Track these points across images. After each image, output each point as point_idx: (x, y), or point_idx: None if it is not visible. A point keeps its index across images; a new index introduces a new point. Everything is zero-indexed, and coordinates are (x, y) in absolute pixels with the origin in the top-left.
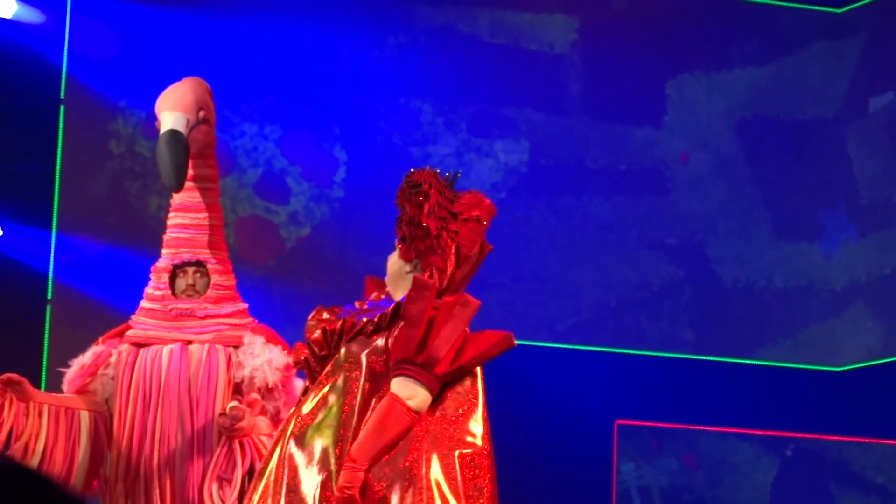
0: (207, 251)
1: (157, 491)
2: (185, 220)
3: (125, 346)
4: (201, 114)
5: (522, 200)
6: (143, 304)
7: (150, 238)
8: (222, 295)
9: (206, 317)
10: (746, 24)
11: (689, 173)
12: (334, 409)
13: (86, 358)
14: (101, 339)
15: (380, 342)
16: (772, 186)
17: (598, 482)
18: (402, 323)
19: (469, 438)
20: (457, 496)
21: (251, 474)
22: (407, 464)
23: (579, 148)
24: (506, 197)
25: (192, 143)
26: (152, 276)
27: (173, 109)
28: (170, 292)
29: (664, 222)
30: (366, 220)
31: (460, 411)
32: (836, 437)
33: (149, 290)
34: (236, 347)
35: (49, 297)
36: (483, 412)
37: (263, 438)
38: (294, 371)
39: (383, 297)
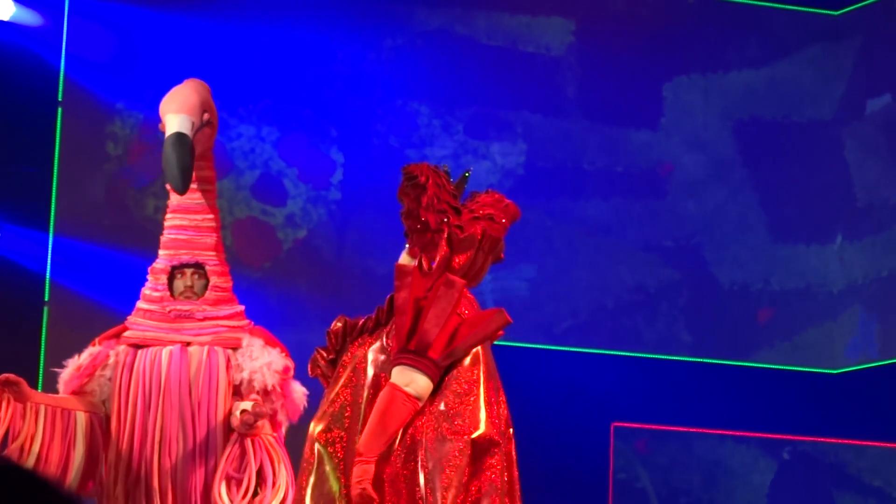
0: (206, 253)
1: (158, 493)
2: (184, 221)
3: (122, 348)
4: (205, 116)
5: (519, 202)
6: (140, 304)
7: (147, 240)
8: (221, 297)
9: (204, 318)
10: (743, 26)
11: (687, 175)
12: (343, 409)
13: (82, 359)
14: (97, 340)
15: (381, 339)
16: (769, 189)
17: (594, 484)
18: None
19: (470, 423)
20: (461, 481)
21: (260, 474)
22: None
23: (576, 150)
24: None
25: (196, 146)
26: (150, 278)
27: (178, 112)
28: (168, 293)
29: (661, 224)
30: (363, 222)
31: (461, 398)
32: (832, 440)
33: (146, 291)
34: (235, 349)
35: (46, 298)
36: (487, 395)
37: (271, 439)
38: (292, 373)
39: None
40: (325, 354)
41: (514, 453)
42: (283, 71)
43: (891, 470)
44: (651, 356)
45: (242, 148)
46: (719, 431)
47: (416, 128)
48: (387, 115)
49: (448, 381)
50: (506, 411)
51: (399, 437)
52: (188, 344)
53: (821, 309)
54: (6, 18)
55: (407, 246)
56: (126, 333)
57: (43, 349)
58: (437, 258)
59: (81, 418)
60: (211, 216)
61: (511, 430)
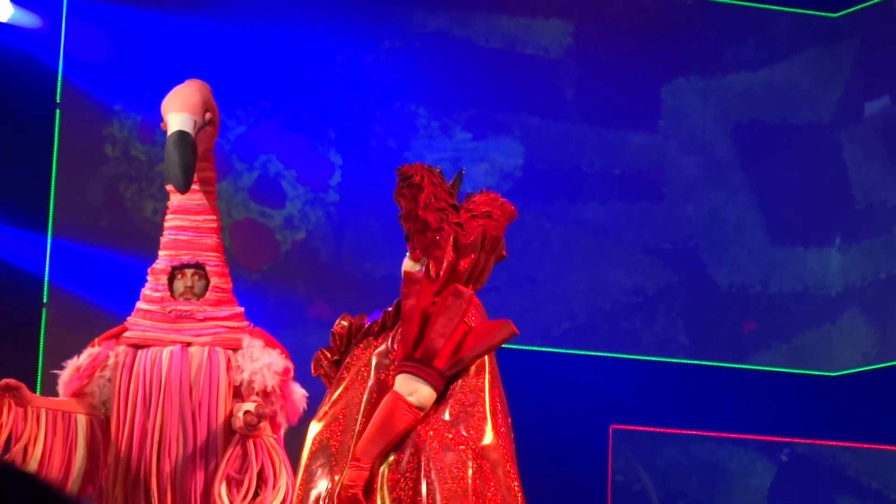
0: (207, 254)
1: (157, 494)
2: (184, 222)
3: (122, 348)
4: (207, 115)
5: (517, 204)
6: (140, 305)
7: (145, 241)
8: (221, 298)
9: (205, 319)
10: (741, 28)
11: (685, 178)
12: (345, 412)
13: (81, 360)
14: (96, 341)
15: (386, 342)
16: (767, 191)
17: (593, 487)
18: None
19: (475, 433)
20: (463, 492)
21: (261, 475)
22: (412, 462)
23: (574, 152)
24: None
25: (198, 145)
26: (149, 278)
27: (181, 110)
28: (168, 294)
29: (659, 227)
30: (361, 224)
31: (466, 408)
32: (831, 443)
33: (146, 291)
34: (235, 350)
35: (45, 300)
36: (492, 405)
37: (272, 440)
38: (291, 375)
39: None
40: (328, 355)
41: (515, 462)
42: (282, 73)
43: (889, 472)
44: (649, 358)
45: (241, 150)
46: (718, 434)
47: (415, 130)
48: (385, 117)
49: (453, 389)
50: (507, 419)
51: (401, 443)
52: (188, 344)
53: (819, 311)
54: (4, 20)
55: (408, 251)
56: (126, 334)
57: (41, 351)
58: (445, 264)
59: (82, 421)
60: (212, 217)
61: (511, 435)
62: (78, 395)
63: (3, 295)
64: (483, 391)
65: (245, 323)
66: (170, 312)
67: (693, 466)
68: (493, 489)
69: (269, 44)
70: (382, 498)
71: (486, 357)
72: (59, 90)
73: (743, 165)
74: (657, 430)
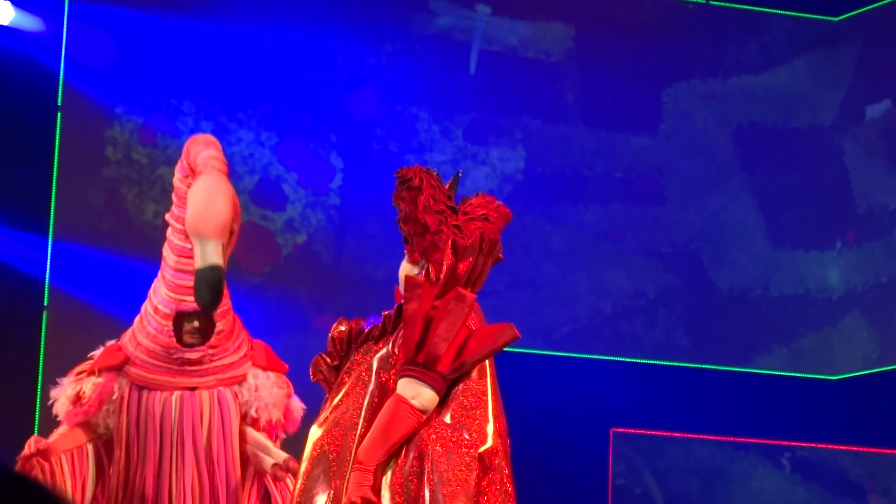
0: None
1: None
2: (189, 266)
3: (125, 381)
4: (234, 227)
5: (518, 208)
6: (143, 340)
7: (146, 244)
8: (224, 338)
9: (210, 363)
10: (743, 32)
11: (686, 181)
12: (345, 417)
13: (83, 389)
14: (96, 367)
15: (387, 346)
16: (768, 195)
17: (593, 490)
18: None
19: (477, 436)
20: (466, 495)
21: None
22: (415, 465)
23: (575, 156)
24: (505, 204)
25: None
26: (154, 317)
27: (212, 237)
28: (173, 340)
29: (660, 230)
30: (362, 227)
31: (468, 411)
32: (832, 446)
33: (149, 329)
34: (241, 384)
35: (45, 303)
36: (494, 407)
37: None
38: (292, 396)
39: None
40: (328, 360)
41: (510, 465)
42: (283, 76)
43: (889, 476)
44: (650, 362)
45: (242, 153)
46: (719, 437)
47: (416, 133)
48: (386, 121)
49: (455, 393)
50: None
51: (403, 447)
52: (194, 388)
53: (820, 315)
54: (6, 23)
55: (406, 254)
56: (130, 369)
57: (42, 354)
58: (444, 268)
59: (90, 450)
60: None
61: (509, 440)
62: (82, 424)
63: (4, 297)
64: (485, 395)
65: (247, 347)
66: (176, 359)
67: (694, 470)
68: (492, 492)
69: (271, 47)
70: (385, 502)
71: (487, 360)
72: (60, 93)
73: (744, 169)
74: (658, 433)
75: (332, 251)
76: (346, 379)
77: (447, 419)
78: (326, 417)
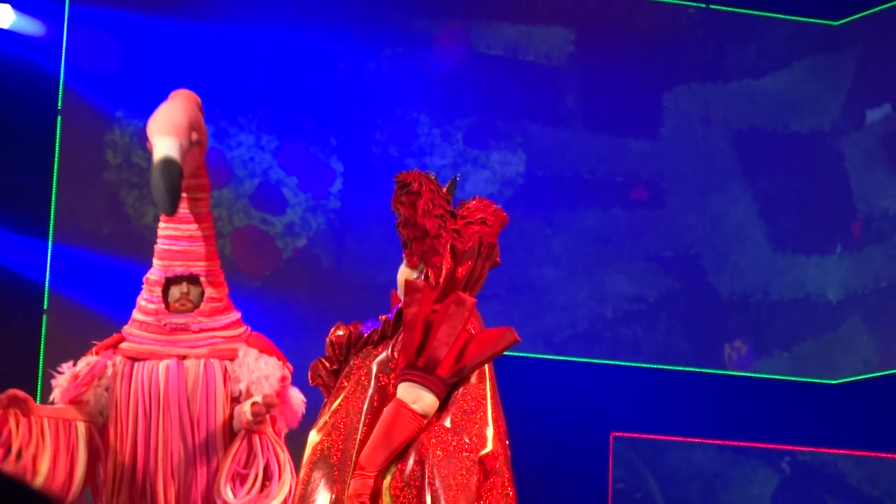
0: (200, 263)
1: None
2: (177, 231)
3: (119, 359)
4: (194, 136)
5: (519, 212)
6: (136, 315)
7: (146, 248)
8: (216, 307)
9: (200, 330)
10: (743, 36)
11: (686, 185)
12: (345, 421)
13: (79, 368)
14: (95, 350)
15: (386, 350)
16: (768, 199)
17: (593, 494)
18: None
19: (477, 440)
20: (468, 499)
21: (266, 470)
22: (416, 470)
23: (576, 159)
24: (502, 208)
25: (185, 166)
26: (144, 288)
27: (167, 134)
28: (163, 306)
29: (660, 234)
30: (362, 230)
31: (468, 415)
32: (832, 450)
33: (141, 302)
34: (231, 360)
35: (45, 306)
36: (494, 411)
37: (276, 437)
38: (289, 381)
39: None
40: (327, 364)
41: (511, 469)
42: (283, 80)
43: (889, 480)
44: (650, 366)
45: (242, 156)
46: (719, 441)
47: (416, 137)
48: (386, 125)
49: (455, 397)
50: (505, 426)
51: (403, 453)
52: (185, 357)
53: (820, 319)
54: (6, 27)
55: (404, 258)
56: (123, 345)
57: (42, 357)
58: (443, 272)
59: (82, 428)
60: (205, 225)
61: (508, 442)
62: (75, 402)
63: (4, 301)
64: (485, 398)
65: (242, 329)
66: (165, 325)
67: (694, 474)
68: (493, 496)
69: (271, 51)
70: None
71: (487, 364)
72: (60, 97)
73: (744, 173)
74: (658, 437)
75: (332, 255)
76: (346, 383)
77: (447, 423)
78: (325, 422)
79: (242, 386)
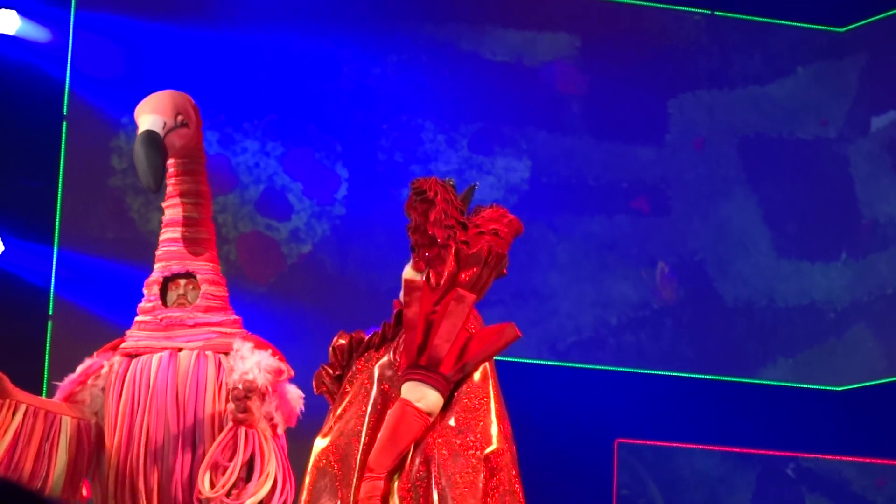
0: (198, 263)
1: (144, 493)
2: (176, 234)
3: (118, 359)
4: (179, 118)
5: (524, 218)
6: (137, 318)
7: (151, 254)
8: (212, 305)
9: (195, 325)
10: (748, 43)
11: (691, 192)
12: (349, 425)
13: (77, 370)
14: (95, 353)
15: (388, 353)
16: (773, 205)
17: (598, 500)
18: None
19: (482, 437)
20: (475, 497)
21: (250, 465)
22: (422, 469)
23: (581, 166)
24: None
25: (171, 147)
26: (144, 291)
27: (150, 112)
28: (160, 303)
29: (665, 240)
30: (367, 237)
31: (472, 413)
32: (836, 457)
33: (141, 303)
34: (226, 354)
35: (50, 312)
36: (498, 410)
37: (266, 432)
38: (285, 376)
39: None
40: (330, 371)
41: (517, 467)
42: (289, 86)
43: (894, 487)
44: (655, 372)
45: (247, 163)
46: (723, 448)
47: (421, 143)
48: (392, 131)
49: (458, 396)
50: (509, 426)
51: (410, 453)
52: (179, 350)
53: (825, 326)
54: (12, 33)
55: (411, 259)
56: (122, 345)
57: (47, 363)
58: (445, 274)
59: (67, 422)
60: (203, 229)
61: (513, 440)
62: (69, 400)
63: (9, 307)
64: (488, 396)
65: (239, 329)
66: (161, 320)
67: (698, 481)
68: (499, 493)
69: (277, 57)
70: None
71: (489, 364)
72: (66, 102)
73: (749, 180)
74: (663, 444)
75: (337, 261)
76: (349, 388)
77: (451, 422)
78: (331, 428)
79: (236, 376)
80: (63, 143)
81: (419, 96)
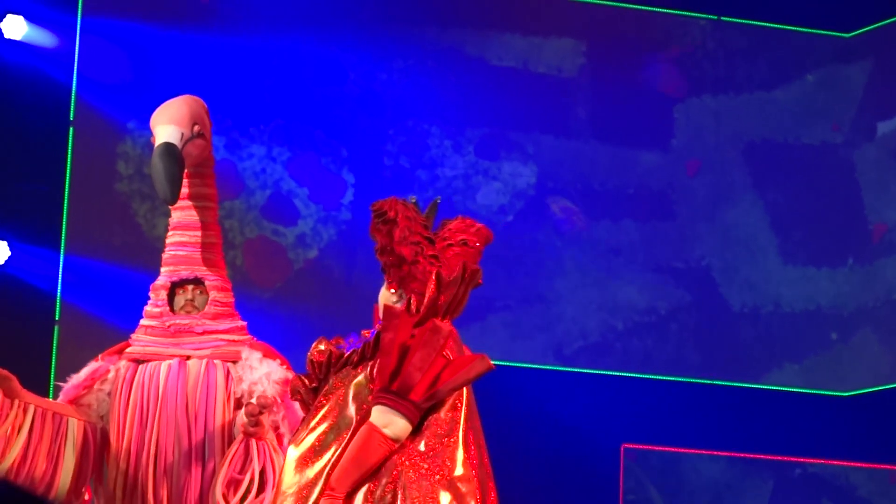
0: (205, 268)
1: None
2: (184, 237)
3: (123, 363)
4: (196, 128)
5: (530, 223)
6: (143, 322)
7: (157, 259)
8: (220, 311)
9: (203, 332)
10: (754, 48)
11: (697, 197)
12: (322, 440)
13: (81, 372)
14: (100, 356)
15: (365, 372)
16: (779, 211)
17: None
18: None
19: (449, 464)
20: None
21: (262, 476)
22: (388, 491)
23: (587, 171)
24: (513, 220)
25: (187, 157)
26: (151, 295)
27: (168, 123)
28: (168, 309)
29: (671, 246)
30: (373, 242)
31: (441, 439)
32: (843, 463)
33: (148, 307)
34: (234, 362)
35: (57, 317)
36: (464, 437)
37: (275, 443)
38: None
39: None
40: (306, 382)
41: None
42: (295, 91)
43: None
44: (661, 378)
45: (254, 168)
46: (729, 453)
47: (427, 148)
48: (398, 136)
49: (429, 421)
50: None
51: (376, 473)
52: (188, 358)
53: (831, 331)
54: (19, 38)
55: (385, 282)
56: (127, 349)
57: (53, 368)
58: (426, 299)
59: (73, 424)
60: (212, 233)
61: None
62: (75, 403)
63: (16, 312)
64: (458, 423)
65: (246, 336)
66: (169, 327)
67: (704, 486)
68: None
69: (283, 62)
70: None
71: (465, 390)
72: (72, 108)
73: (755, 185)
74: (669, 449)
75: (343, 266)
76: (324, 402)
77: (421, 447)
78: (302, 438)
79: (245, 386)
80: (69, 148)
81: (425, 101)
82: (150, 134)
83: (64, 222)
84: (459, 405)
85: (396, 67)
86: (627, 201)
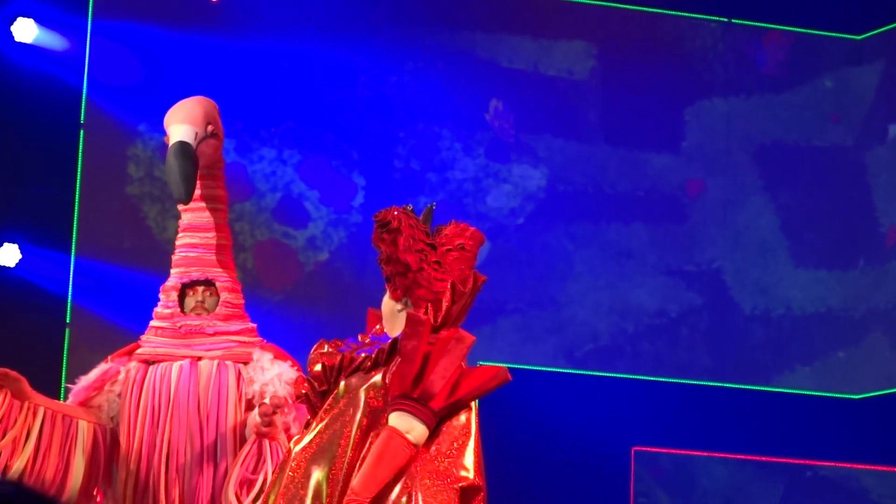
0: (216, 270)
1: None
2: (194, 239)
3: (134, 364)
4: (209, 128)
5: (540, 226)
6: (153, 323)
7: (168, 262)
8: (231, 313)
9: (215, 333)
10: (766, 50)
11: (708, 199)
12: (331, 444)
13: (91, 374)
14: (110, 357)
15: (377, 378)
16: (790, 213)
17: None
18: (398, 359)
19: (463, 472)
20: None
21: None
22: (402, 498)
23: (598, 174)
24: (524, 222)
25: (201, 157)
26: (161, 296)
27: (182, 122)
28: (179, 310)
29: (682, 248)
30: None
31: (455, 445)
32: (854, 465)
33: (158, 309)
34: (246, 364)
35: (68, 320)
36: (475, 446)
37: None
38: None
39: (383, 332)
40: (315, 385)
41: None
42: (305, 94)
43: None
44: (672, 380)
45: (264, 170)
46: (740, 456)
47: (438, 151)
48: (408, 138)
49: (443, 428)
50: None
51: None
52: (199, 359)
53: (842, 334)
54: (30, 41)
55: (388, 291)
56: (138, 351)
57: (64, 371)
58: (443, 310)
59: (84, 426)
60: (222, 235)
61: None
62: (85, 405)
63: (27, 315)
64: (470, 431)
65: (257, 338)
66: (180, 328)
67: (715, 489)
68: None
69: (293, 65)
70: None
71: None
72: (83, 110)
73: (766, 187)
74: (679, 452)
75: (353, 269)
76: (333, 405)
77: (434, 453)
78: (310, 441)
79: (256, 387)
80: (80, 151)
81: (436, 104)
82: (161, 137)
83: (75, 225)
84: (472, 412)
85: (407, 70)
86: (638, 204)
